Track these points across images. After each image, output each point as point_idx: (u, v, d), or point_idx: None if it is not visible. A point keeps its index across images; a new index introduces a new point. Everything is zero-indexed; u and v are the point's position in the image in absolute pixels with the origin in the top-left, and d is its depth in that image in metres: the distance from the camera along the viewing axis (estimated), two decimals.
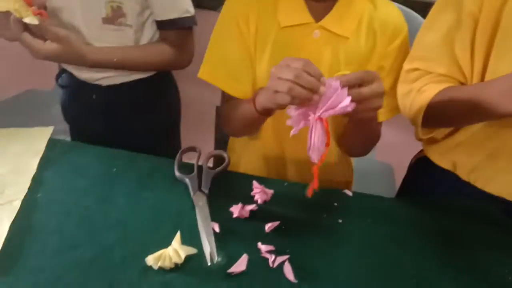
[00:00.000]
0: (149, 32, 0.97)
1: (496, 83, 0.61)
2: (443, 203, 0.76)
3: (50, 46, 0.80)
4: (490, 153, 0.71)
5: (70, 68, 1.01)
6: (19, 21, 0.77)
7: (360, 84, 0.58)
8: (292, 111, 0.60)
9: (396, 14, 0.77)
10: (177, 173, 0.72)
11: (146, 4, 0.92)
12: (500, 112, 0.58)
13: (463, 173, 0.76)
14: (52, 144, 0.78)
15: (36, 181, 0.70)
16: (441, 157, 0.79)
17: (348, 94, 0.56)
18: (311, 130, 0.59)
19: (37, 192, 0.68)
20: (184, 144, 1.01)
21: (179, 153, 0.75)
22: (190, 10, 0.94)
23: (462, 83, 0.70)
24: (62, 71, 1.06)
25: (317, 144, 0.58)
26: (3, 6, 0.75)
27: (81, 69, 0.98)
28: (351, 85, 0.57)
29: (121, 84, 1.00)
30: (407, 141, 0.92)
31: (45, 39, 0.80)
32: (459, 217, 0.71)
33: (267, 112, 0.71)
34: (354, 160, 0.98)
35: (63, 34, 0.81)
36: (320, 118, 0.58)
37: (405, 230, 0.68)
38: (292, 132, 0.59)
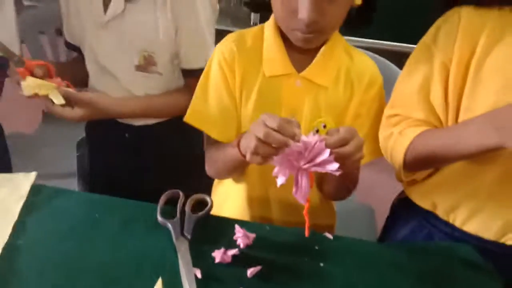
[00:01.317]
0: (178, 79, 1.04)
1: (472, 120, 0.66)
2: (424, 245, 0.78)
3: (78, 112, 0.90)
4: (467, 192, 0.74)
5: None
6: (47, 99, 0.86)
7: (344, 144, 0.61)
8: (276, 162, 0.62)
9: (371, 66, 0.83)
10: (159, 218, 0.72)
11: (175, 53, 0.99)
12: (477, 145, 0.62)
13: (443, 213, 0.79)
14: (36, 189, 0.78)
15: (18, 228, 0.70)
16: (422, 198, 0.82)
17: (332, 153, 0.60)
18: (297, 178, 0.62)
19: (19, 238, 0.68)
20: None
21: (161, 197, 0.76)
22: None
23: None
24: None
25: (304, 190, 0.62)
26: (29, 91, 0.84)
27: None
28: (337, 146, 0.61)
29: (154, 124, 1.06)
30: (386, 182, 0.95)
31: (72, 106, 0.90)
32: (440, 259, 0.73)
33: None
34: (335, 202, 1.00)
35: (87, 99, 0.91)
36: (306, 171, 0.61)
37: (387, 274, 0.69)
38: (280, 182, 0.61)
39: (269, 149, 0.61)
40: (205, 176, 1.13)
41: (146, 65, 0.98)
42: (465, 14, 0.70)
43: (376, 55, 1.07)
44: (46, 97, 0.86)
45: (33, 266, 0.64)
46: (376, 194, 1.05)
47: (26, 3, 1.50)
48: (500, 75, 0.67)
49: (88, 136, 1.19)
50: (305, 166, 0.61)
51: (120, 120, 1.05)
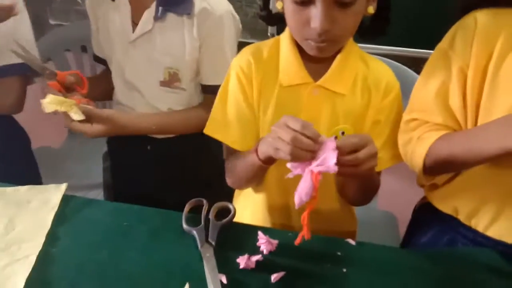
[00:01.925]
0: (201, 95, 1.07)
1: (491, 123, 0.66)
2: (447, 251, 0.78)
3: (97, 128, 0.93)
4: (489, 196, 0.74)
5: None
6: (66, 115, 0.89)
7: (355, 149, 0.63)
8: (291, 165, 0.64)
9: (387, 72, 0.84)
10: (185, 226, 0.75)
11: (198, 70, 1.03)
12: (497, 147, 0.62)
13: (464, 218, 0.79)
14: (66, 200, 0.81)
15: (51, 236, 0.73)
16: (443, 203, 0.82)
17: (345, 159, 0.61)
18: (303, 177, 0.63)
19: (52, 247, 0.71)
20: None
21: (186, 206, 0.78)
22: None
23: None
24: None
25: (300, 192, 0.62)
26: (50, 108, 0.86)
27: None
28: (348, 151, 0.62)
29: (175, 137, 1.09)
30: (409, 189, 0.95)
31: (91, 122, 0.92)
32: (463, 265, 0.72)
33: (269, 161, 0.75)
34: (356, 210, 1.00)
35: (106, 115, 0.94)
36: (311, 171, 0.62)
37: (410, 280, 0.69)
38: (288, 175, 0.63)
39: (302, 153, 0.61)
40: (225, 187, 1.15)
41: (171, 81, 1.01)
42: (481, 19, 0.71)
43: (392, 61, 1.08)
44: (66, 113, 0.89)
45: (66, 274, 0.66)
46: (399, 201, 1.05)
47: (52, 22, 1.57)
48: None
49: (110, 149, 1.22)
50: (312, 166, 0.61)
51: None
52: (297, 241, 0.65)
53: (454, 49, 0.73)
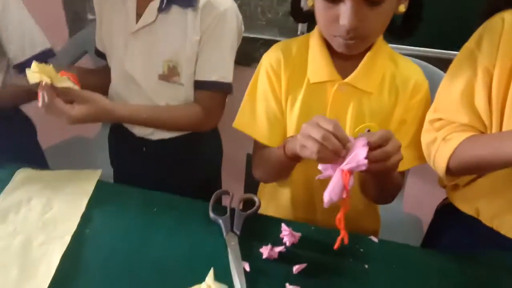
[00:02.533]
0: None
1: None
2: (471, 253, 0.77)
3: (79, 108, 0.86)
4: (510, 197, 0.73)
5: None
6: (51, 87, 0.82)
7: (381, 144, 0.63)
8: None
9: (416, 72, 0.83)
10: (211, 215, 0.77)
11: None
12: None
13: (486, 219, 0.78)
14: (100, 186, 0.85)
15: (85, 219, 0.77)
16: (465, 203, 0.81)
17: (375, 154, 0.62)
18: (333, 177, 0.64)
19: (86, 228, 0.75)
20: None
21: (213, 196, 0.81)
22: (229, 77, 1.02)
23: (483, 132, 0.74)
24: (114, 124, 1.16)
25: (330, 191, 0.62)
26: (34, 77, 0.80)
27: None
28: (375, 146, 0.63)
29: (171, 139, 1.08)
30: (434, 192, 0.94)
31: (72, 102, 0.86)
32: (486, 268, 0.72)
33: (296, 158, 0.76)
34: (381, 212, 1.00)
35: (88, 95, 0.88)
36: (341, 170, 0.63)
37: (431, 280, 0.69)
38: (319, 176, 0.65)
39: (329, 154, 0.62)
40: (220, 188, 1.15)
41: (170, 75, 1.00)
42: (508, 19, 0.70)
43: (422, 61, 1.07)
44: (48, 86, 0.81)
45: (98, 255, 0.70)
46: (424, 204, 1.04)
47: (90, 17, 1.63)
48: None
49: (110, 148, 1.22)
50: (342, 165, 0.63)
51: (137, 134, 1.08)
52: (336, 245, 0.66)
53: (480, 49, 0.72)
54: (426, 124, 0.79)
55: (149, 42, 0.99)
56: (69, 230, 0.74)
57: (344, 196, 0.62)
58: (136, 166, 1.14)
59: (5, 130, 1.10)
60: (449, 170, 0.74)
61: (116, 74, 1.05)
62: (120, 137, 1.14)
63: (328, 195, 0.62)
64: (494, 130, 0.72)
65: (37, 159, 1.24)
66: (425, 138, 0.79)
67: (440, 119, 0.77)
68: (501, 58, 0.70)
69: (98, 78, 1.11)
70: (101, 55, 1.13)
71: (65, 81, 0.84)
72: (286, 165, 0.80)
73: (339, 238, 0.66)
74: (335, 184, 0.62)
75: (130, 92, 1.03)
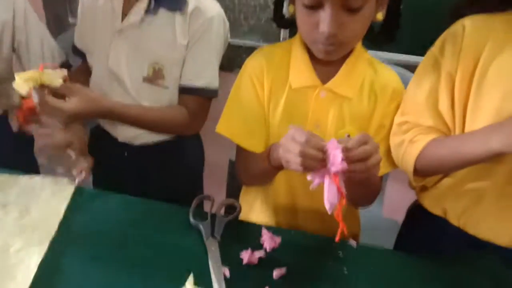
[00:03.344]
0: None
1: (478, 130, 0.69)
2: (446, 254, 0.79)
3: (71, 101, 0.87)
4: (476, 196, 0.76)
5: (105, 125, 1.09)
6: (40, 87, 0.83)
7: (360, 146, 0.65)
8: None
9: (394, 78, 0.85)
10: (191, 220, 0.77)
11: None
12: (484, 150, 0.65)
13: (453, 218, 0.81)
14: (78, 191, 0.84)
15: (63, 225, 0.76)
16: (433, 204, 0.84)
17: (355, 153, 0.63)
18: (325, 184, 0.65)
19: (63, 235, 0.74)
20: None
21: (194, 201, 0.81)
22: (215, 83, 1.02)
23: (447, 134, 0.77)
24: (96, 127, 1.15)
25: (328, 197, 0.64)
26: (23, 86, 0.80)
27: (115, 126, 1.06)
28: (356, 147, 0.64)
29: (153, 144, 1.07)
30: (414, 197, 0.96)
31: (64, 97, 0.86)
32: (461, 268, 0.74)
33: (280, 167, 0.77)
34: (361, 217, 1.01)
35: (77, 87, 0.89)
36: (329, 175, 0.64)
37: (410, 283, 0.71)
38: (311, 186, 0.66)
39: (311, 162, 0.64)
40: (202, 190, 1.15)
41: (154, 77, 0.99)
42: (468, 26, 0.73)
43: (399, 67, 1.09)
44: (41, 88, 0.82)
45: (76, 261, 0.69)
46: (404, 209, 1.06)
47: (71, 20, 1.62)
48: (503, 82, 0.70)
49: (90, 153, 1.18)
50: (329, 169, 0.64)
51: (120, 139, 1.07)
52: (337, 238, 0.67)
53: (443, 54, 0.75)
54: (394, 127, 0.82)
55: (135, 43, 0.99)
56: (47, 236, 0.72)
57: (341, 196, 0.65)
58: (116, 171, 1.12)
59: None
60: (416, 171, 0.77)
61: (100, 72, 1.04)
62: (101, 141, 1.12)
63: (328, 201, 0.64)
64: (457, 132, 0.76)
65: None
66: (393, 141, 0.81)
67: (407, 122, 0.79)
68: (462, 62, 0.73)
69: (77, 81, 1.09)
70: (78, 52, 1.12)
71: (55, 79, 0.84)
72: (269, 172, 0.81)
73: (339, 231, 0.66)
74: (329, 189, 0.64)
75: (113, 91, 1.02)
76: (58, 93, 0.86)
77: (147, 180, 1.10)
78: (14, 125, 0.91)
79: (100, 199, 0.83)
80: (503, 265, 0.74)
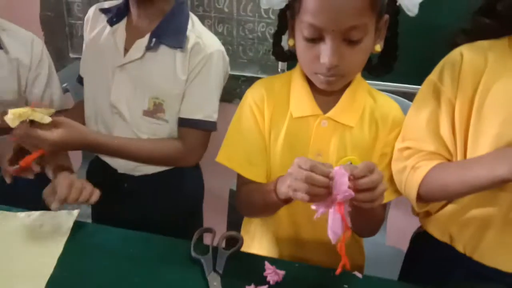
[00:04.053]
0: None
1: (485, 154, 0.69)
2: (452, 282, 0.77)
3: (55, 132, 0.87)
4: (481, 223, 0.75)
5: (105, 157, 1.09)
6: (23, 122, 0.84)
7: (365, 174, 0.64)
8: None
9: (394, 107, 0.86)
10: (193, 253, 0.75)
11: None
12: (489, 176, 0.65)
13: (459, 246, 0.79)
14: (77, 226, 0.83)
15: (62, 260, 0.74)
16: (438, 230, 0.83)
17: (362, 182, 0.63)
18: (329, 214, 0.64)
19: (63, 271, 0.72)
20: None
21: (195, 234, 0.79)
22: (214, 116, 1.03)
23: (449, 160, 0.77)
24: (95, 159, 1.14)
25: (332, 227, 0.63)
26: (14, 121, 0.82)
27: (114, 157, 1.05)
28: (362, 175, 0.63)
29: (153, 174, 1.07)
30: (417, 225, 0.95)
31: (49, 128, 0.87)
32: None
33: (288, 201, 0.76)
34: (365, 245, 1.00)
35: (61, 118, 0.90)
36: (334, 204, 0.64)
37: None
38: (315, 216, 0.65)
39: (320, 190, 0.64)
40: (202, 224, 1.13)
41: (155, 111, 1.01)
42: (466, 53, 0.75)
43: (398, 96, 1.10)
44: (30, 121, 0.84)
45: None
46: (407, 237, 1.04)
47: (72, 55, 1.64)
48: (502, 108, 0.70)
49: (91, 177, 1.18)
50: (333, 199, 0.63)
51: (119, 171, 1.07)
52: (338, 271, 0.66)
53: (442, 81, 0.76)
54: (395, 153, 0.82)
55: (136, 78, 1.00)
56: (46, 273, 0.70)
57: (345, 227, 0.63)
58: (116, 202, 1.10)
59: None
60: (420, 198, 0.76)
61: (102, 105, 1.05)
62: (100, 172, 1.12)
63: (331, 231, 0.63)
64: (459, 157, 0.76)
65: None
66: (395, 167, 0.81)
67: (408, 148, 0.79)
68: (461, 89, 0.74)
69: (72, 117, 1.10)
70: (83, 82, 1.13)
71: (44, 117, 0.85)
72: (276, 205, 0.80)
73: (340, 264, 0.65)
74: (333, 219, 0.63)
75: (115, 123, 1.04)
76: (43, 125, 0.87)
77: (147, 210, 1.09)
78: (7, 178, 0.91)
79: (99, 234, 0.82)
80: None
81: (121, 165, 1.07)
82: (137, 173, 1.07)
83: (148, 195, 1.09)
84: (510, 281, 0.74)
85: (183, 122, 1.03)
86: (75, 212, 0.86)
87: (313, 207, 0.66)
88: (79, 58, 1.17)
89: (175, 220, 1.05)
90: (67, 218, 0.84)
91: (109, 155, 1.05)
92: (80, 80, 1.15)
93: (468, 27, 0.78)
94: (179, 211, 1.12)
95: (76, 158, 1.40)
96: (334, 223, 0.63)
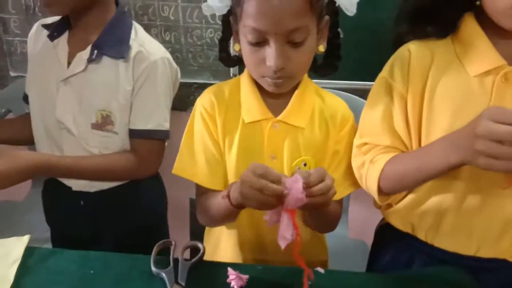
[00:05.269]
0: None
1: (434, 143, 0.72)
2: (414, 273, 0.81)
3: None
4: (439, 211, 0.78)
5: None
6: None
7: (320, 180, 0.66)
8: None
9: (342, 105, 0.89)
10: (153, 269, 0.74)
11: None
12: (443, 163, 0.68)
13: (421, 234, 0.83)
14: (29, 252, 0.78)
15: None
16: (400, 221, 0.86)
17: (316, 189, 0.65)
18: (280, 222, 0.65)
19: None
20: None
21: (154, 248, 0.77)
22: (165, 124, 1.02)
23: (405, 152, 0.80)
24: (48, 180, 1.10)
25: (282, 233, 0.64)
26: None
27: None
28: (316, 182, 0.65)
29: (109, 189, 1.04)
30: (378, 216, 0.98)
31: None
32: (430, 285, 0.75)
33: (242, 206, 0.76)
34: (328, 239, 1.02)
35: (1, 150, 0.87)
36: (286, 210, 0.65)
37: None
38: (268, 225, 0.67)
39: (271, 200, 0.65)
40: (165, 235, 1.10)
41: (103, 124, 0.98)
42: (414, 49, 0.78)
43: (345, 93, 1.14)
44: None
45: None
46: (369, 229, 1.07)
47: (13, 74, 1.56)
48: (450, 102, 0.74)
49: (44, 205, 1.16)
50: (285, 208, 0.64)
51: (74, 188, 1.04)
52: (305, 286, 0.67)
53: (393, 77, 0.79)
54: (354, 149, 0.84)
55: (80, 91, 0.98)
56: None
57: (295, 234, 0.64)
58: (75, 221, 1.07)
59: None
60: (380, 190, 0.79)
61: (48, 122, 1.02)
62: (55, 192, 1.08)
63: (281, 238, 0.64)
64: (414, 149, 0.79)
65: None
66: (354, 163, 0.84)
67: (366, 144, 0.82)
68: (412, 84, 0.77)
69: (18, 129, 1.08)
70: (28, 101, 1.09)
71: None
72: (231, 212, 0.80)
73: (305, 278, 0.67)
74: (284, 227, 0.64)
75: (64, 139, 1.01)
76: None
77: (107, 227, 1.06)
78: None
79: (53, 258, 0.78)
80: (465, 275, 0.75)
81: (75, 182, 1.03)
82: (92, 189, 1.04)
83: (106, 211, 1.06)
84: (470, 263, 0.78)
85: (133, 133, 1.01)
86: (26, 238, 0.81)
87: (266, 217, 0.67)
88: (20, 77, 1.12)
89: (138, 234, 1.03)
90: (16, 246, 0.79)
91: (61, 177, 1.02)
92: (25, 98, 1.11)
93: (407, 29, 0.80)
94: (142, 225, 1.09)
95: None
96: (284, 229, 0.64)
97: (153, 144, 1.02)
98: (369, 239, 1.31)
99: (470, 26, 0.74)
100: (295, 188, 0.63)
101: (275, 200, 0.65)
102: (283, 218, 0.65)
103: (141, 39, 1.00)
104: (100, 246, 0.94)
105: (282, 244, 0.64)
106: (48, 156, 0.98)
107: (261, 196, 0.64)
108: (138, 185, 1.07)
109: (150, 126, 1.00)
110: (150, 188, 1.13)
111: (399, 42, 0.81)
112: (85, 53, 0.97)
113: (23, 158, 0.91)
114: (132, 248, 0.80)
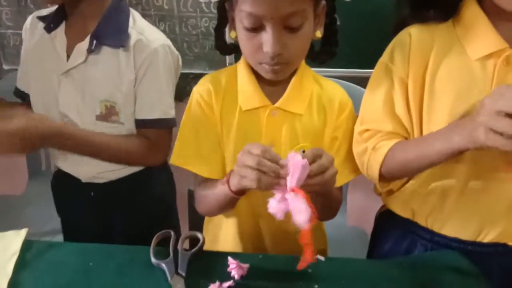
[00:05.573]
0: None
1: (438, 131, 0.71)
2: (413, 258, 0.80)
3: (15, 122, 0.85)
4: (440, 195, 0.78)
5: (66, 167, 1.05)
6: None
7: (314, 160, 0.65)
8: (272, 202, 0.65)
9: (340, 91, 0.88)
10: (153, 260, 0.73)
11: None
12: (445, 149, 0.67)
13: (421, 220, 0.83)
14: (27, 245, 0.78)
15: (13, 285, 0.70)
16: (401, 207, 0.86)
17: (312, 168, 0.64)
18: (290, 204, 0.63)
19: None
20: None
21: (153, 239, 0.77)
22: (171, 112, 1.01)
23: (407, 138, 0.80)
24: (57, 172, 1.10)
25: (297, 216, 0.62)
26: None
27: (77, 166, 1.02)
28: (311, 161, 0.65)
29: (119, 180, 1.04)
30: (376, 204, 0.98)
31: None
32: (429, 270, 0.75)
33: (241, 192, 0.76)
34: (326, 227, 1.02)
35: (18, 106, 0.88)
36: (293, 190, 0.63)
37: None
38: (278, 217, 0.64)
39: (268, 178, 0.64)
40: (174, 225, 1.10)
41: (108, 114, 0.98)
42: (414, 32, 0.77)
43: (343, 81, 1.13)
44: None
45: None
46: (367, 216, 1.07)
47: (6, 67, 1.55)
48: (452, 85, 0.73)
49: (55, 197, 1.16)
50: (293, 185, 0.63)
51: (84, 180, 1.04)
52: (300, 266, 0.65)
53: (393, 62, 0.79)
54: (355, 136, 0.84)
55: (82, 83, 0.97)
56: None
57: (310, 211, 0.62)
58: (86, 213, 1.08)
59: None
60: (382, 177, 0.78)
61: (52, 114, 1.00)
62: (65, 185, 1.08)
63: (300, 221, 0.61)
64: (416, 134, 0.78)
65: None
66: (356, 149, 0.83)
67: (367, 130, 0.81)
68: (412, 68, 0.76)
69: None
70: (21, 94, 1.08)
71: None
72: (230, 199, 0.79)
73: (302, 259, 0.65)
74: (296, 208, 0.62)
75: None
76: None
77: (117, 217, 1.06)
78: None
79: (52, 251, 0.78)
80: (465, 260, 0.76)
81: (83, 173, 1.03)
82: (101, 180, 1.04)
83: (117, 202, 1.06)
84: (471, 248, 0.79)
85: (140, 123, 1.01)
86: (23, 231, 0.81)
87: (272, 210, 0.64)
88: (13, 70, 1.11)
89: (148, 224, 1.01)
90: (14, 239, 0.79)
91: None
92: (17, 93, 1.09)
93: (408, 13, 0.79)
94: (151, 214, 1.09)
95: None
96: (297, 211, 0.62)
97: (161, 133, 1.02)
98: (368, 227, 1.32)
99: (471, 9, 0.73)
100: (294, 162, 0.62)
101: (272, 179, 0.64)
102: (292, 201, 0.62)
103: (140, 27, 0.99)
104: (111, 237, 0.97)
105: (304, 223, 0.61)
106: (64, 123, 0.98)
107: (258, 173, 0.63)
108: (148, 174, 1.06)
109: (155, 115, 0.99)
110: (159, 177, 1.13)
111: (400, 26, 0.80)
112: (84, 44, 0.95)
113: (39, 120, 0.90)
114: (143, 238, 0.79)
